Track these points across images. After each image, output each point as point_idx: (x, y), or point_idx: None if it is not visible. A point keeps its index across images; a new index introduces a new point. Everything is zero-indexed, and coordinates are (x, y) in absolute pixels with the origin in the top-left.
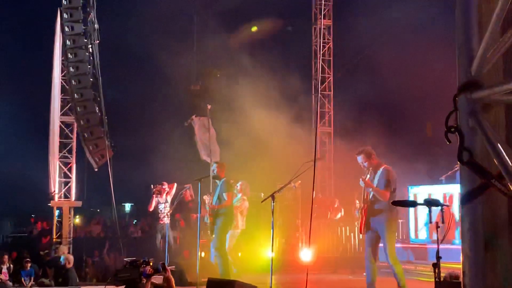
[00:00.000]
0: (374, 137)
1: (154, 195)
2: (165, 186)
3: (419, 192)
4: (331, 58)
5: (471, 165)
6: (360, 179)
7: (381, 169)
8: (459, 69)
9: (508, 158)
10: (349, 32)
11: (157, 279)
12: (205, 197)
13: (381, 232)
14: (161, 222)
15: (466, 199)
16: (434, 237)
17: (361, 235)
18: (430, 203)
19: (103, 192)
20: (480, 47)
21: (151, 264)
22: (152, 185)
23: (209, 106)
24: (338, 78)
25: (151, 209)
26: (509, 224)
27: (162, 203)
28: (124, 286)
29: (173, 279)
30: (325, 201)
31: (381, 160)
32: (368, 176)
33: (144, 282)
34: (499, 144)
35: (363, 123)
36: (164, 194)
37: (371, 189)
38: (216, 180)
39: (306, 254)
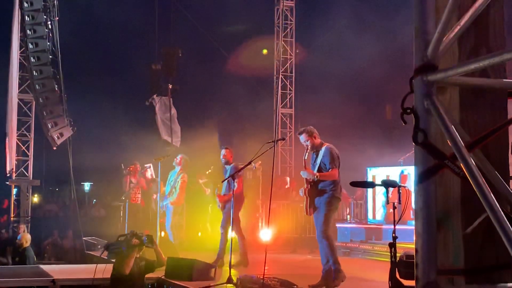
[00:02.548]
0: (335, 119)
1: (128, 176)
2: (138, 166)
3: (378, 173)
4: (293, 40)
5: (425, 146)
6: (302, 171)
7: (323, 148)
8: (416, 52)
9: (462, 139)
10: (312, 13)
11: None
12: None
13: (321, 208)
14: (134, 202)
15: (420, 179)
16: (391, 217)
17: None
18: (387, 184)
19: (62, 171)
20: (436, 31)
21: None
22: (123, 165)
23: (170, 86)
24: (299, 59)
25: (127, 190)
26: (461, 204)
27: (134, 183)
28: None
29: (161, 252)
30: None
31: (323, 140)
32: (306, 155)
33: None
34: (453, 126)
35: (325, 104)
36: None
37: (315, 177)
38: (226, 166)
39: (265, 234)
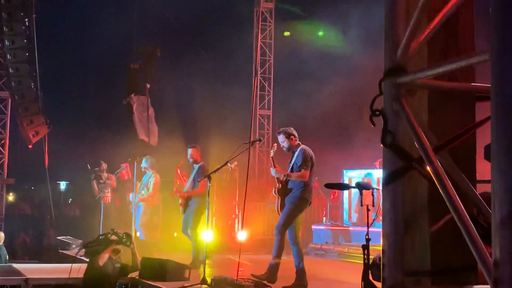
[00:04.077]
0: (313, 121)
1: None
2: (104, 165)
3: (354, 176)
4: (272, 41)
5: (393, 148)
6: (271, 168)
7: (298, 150)
8: (386, 55)
9: (429, 142)
10: (290, 15)
11: (126, 255)
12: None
13: (286, 205)
14: (106, 202)
15: (388, 180)
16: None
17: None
18: (361, 186)
19: (37, 169)
20: (406, 34)
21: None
22: (89, 165)
23: (148, 85)
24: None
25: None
26: (428, 206)
27: (103, 182)
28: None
29: (138, 255)
30: (261, 184)
31: (300, 142)
32: (273, 153)
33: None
34: (420, 128)
35: (303, 107)
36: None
37: (284, 175)
38: (194, 164)
39: (241, 235)
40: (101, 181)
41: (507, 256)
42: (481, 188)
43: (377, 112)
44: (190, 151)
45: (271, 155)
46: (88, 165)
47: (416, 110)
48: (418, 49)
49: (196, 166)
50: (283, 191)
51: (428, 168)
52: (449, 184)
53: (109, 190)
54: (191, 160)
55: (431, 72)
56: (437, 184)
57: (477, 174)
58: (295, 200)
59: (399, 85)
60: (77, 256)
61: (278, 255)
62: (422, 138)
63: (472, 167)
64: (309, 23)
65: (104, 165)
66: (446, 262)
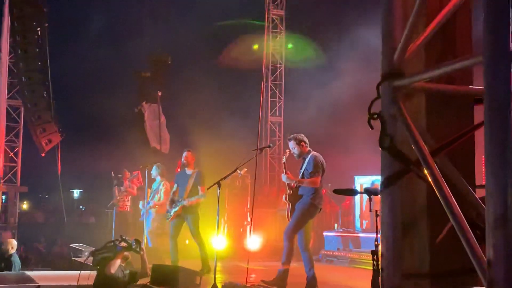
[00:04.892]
0: (323, 127)
1: (117, 186)
2: (127, 173)
3: (365, 182)
4: (283, 48)
5: (391, 151)
6: (282, 174)
7: (308, 156)
8: (383, 58)
9: (426, 145)
10: (302, 23)
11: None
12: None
13: (296, 211)
14: (122, 210)
15: (386, 183)
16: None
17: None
18: (370, 192)
19: (50, 178)
20: (402, 38)
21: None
22: (113, 173)
23: (159, 93)
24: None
25: (117, 198)
26: (427, 209)
27: (124, 190)
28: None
29: (147, 262)
30: (273, 191)
31: (310, 148)
32: (285, 159)
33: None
34: (417, 132)
35: (313, 113)
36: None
37: (295, 181)
38: (186, 169)
39: (252, 243)
40: (122, 188)
41: (501, 256)
42: (482, 193)
43: (375, 116)
44: (185, 154)
45: (283, 161)
46: (112, 172)
47: (414, 113)
48: (415, 53)
49: (190, 172)
50: (294, 197)
51: (424, 170)
52: (445, 186)
53: (129, 199)
54: (184, 162)
55: (426, 75)
56: (433, 186)
57: (478, 178)
58: (305, 206)
59: (396, 89)
60: (85, 263)
61: (288, 261)
62: (419, 141)
63: (470, 170)
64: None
65: (127, 174)
66: (445, 265)
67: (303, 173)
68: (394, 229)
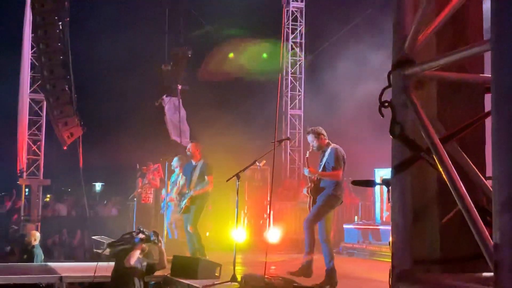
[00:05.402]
0: (343, 121)
1: (141, 178)
2: (151, 166)
3: (385, 174)
4: (303, 41)
5: (401, 138)
6: (304, 168)
7: (329, 149)
8: (394, 47)
9: (437, 132)
10: (322, 15)
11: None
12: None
13: (317, 202)
14: (145, 202)
15: (396, 170)
16: None
17: None
18: (388, 183)
19: (73, 171)
20: (413, 25)
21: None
22: (138, 165)
23: (179, 87)
24: (309, 61)
25: (140, 190)
26: (438, 195)
27: (147, 182)
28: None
29: (165, 253)
30: (293, 184)
31: (329, 141)
32: (308, 153)
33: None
34: (428, 119)
35: (333, 106)
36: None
37: (317, 175)
38: (192, 161)
39: (272, 235)
40: (145, 180)
41: (507, 240)
42: None
43: (386, 104)
44: (188, 146)
45: (307, 156)
46: (138, 164)
47: (425, 101)
48: (426, 41)
49: (195, 163)
50: (315, 190)
51: (434, 157)
52: (454, 172)
53: (152, 191)
54: (189, 154)
55: (437, 63)
56: (442, 172)
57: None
58: (326, 197)
59: (407, 77)
60: (103, 254)
61: (311, 249)
62: (429, 128)
63: (482, 158)
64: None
65: (152, 166)
66: (456, 250)
67: (324, 166)
68: (404, 215)
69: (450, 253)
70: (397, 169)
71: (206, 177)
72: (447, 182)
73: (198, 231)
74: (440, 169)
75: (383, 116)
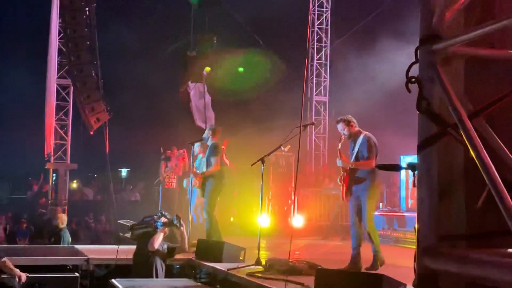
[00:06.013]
0: (368, 107)
1: (164, 161)
2: (176, 151)
3: (411, 161)
4: (328, 27)
5: (428, 113)
6: (337, 159)
7: (361, 137)
8: (421, 23)
9: (464, 108)
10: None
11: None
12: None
13: (362, 199)
14: (168, 187)
15: (423, 146)
16: None
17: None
18: (414, 167)
19: (99, 156)
20: (441, 1)
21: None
22: (162, 149)
23: (205, 73)
24: (334, 47)
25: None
26: (465, 171)
27: (169, 167)
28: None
29: (187, 237)
30: (317, 170)
31: (360, 128)
32: (340, 145)
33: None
34: (455, 95)
35: (359, 92)
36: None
37: (352, 165)
38: (208, 143)
39: (296, 221)
40: (168, 164)
41: None
42: None
43: (413, 79)
44: (207, 130)
45: (338, 148)
46: (162, 148)
47: (452, 77)
48: (454, 17)
49: (210, 143)
50: (350, 179)
51: (461, 132)
52: (481, 148)
53: (175, 176)
54: (204, 136)
55: (464, 37)
56: (470, 148)
57: None
58: (369, 189)
59: (434, 52)
60: (125, 237)
61: (358, 245)
62: (456, 104)
63: (509, 134)
64: None
65: (176, 151)
66: (482, 226)
67: (356, 155)
68: (430, 190)
69: (476, 229)
70: (423, 144)
71: (211, 158)
72: (475, 158)
73: (211, 216)
74: (468, 145)
75: (409, 91)
